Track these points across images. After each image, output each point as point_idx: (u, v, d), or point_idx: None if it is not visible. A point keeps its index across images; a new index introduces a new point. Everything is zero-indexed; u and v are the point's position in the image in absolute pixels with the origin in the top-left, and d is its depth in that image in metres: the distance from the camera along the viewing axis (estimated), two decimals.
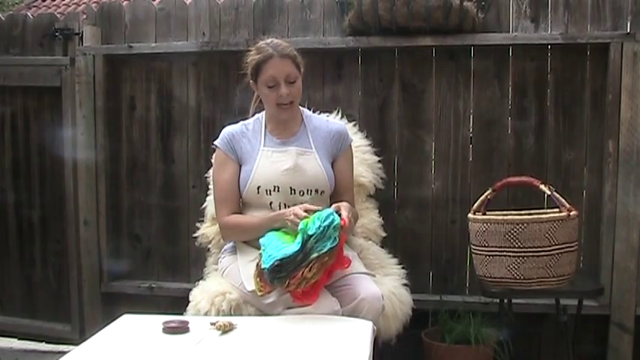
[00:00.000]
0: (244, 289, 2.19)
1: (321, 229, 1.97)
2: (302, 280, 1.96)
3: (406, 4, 2.70)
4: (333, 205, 2.14)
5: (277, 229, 2.16)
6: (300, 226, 2.00)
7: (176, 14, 3.12)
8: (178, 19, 3.12)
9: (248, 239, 2.32)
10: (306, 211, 2.10)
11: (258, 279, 2.07)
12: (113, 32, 3.18)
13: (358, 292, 2.10)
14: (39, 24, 3.26)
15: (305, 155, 2.32)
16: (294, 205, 2.23)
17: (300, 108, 2.42)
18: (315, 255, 1.96)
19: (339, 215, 2.04)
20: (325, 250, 1.96)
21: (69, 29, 3.17)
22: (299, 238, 1.98)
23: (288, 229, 2.13)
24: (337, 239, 1.99)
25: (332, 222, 1.99)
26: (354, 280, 2.16)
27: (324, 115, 2.70)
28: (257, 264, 2.07)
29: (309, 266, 1.96)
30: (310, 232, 1.97)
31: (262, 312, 2.16)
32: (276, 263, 1.95)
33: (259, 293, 2.07)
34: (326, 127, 2.42)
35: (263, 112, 2.41)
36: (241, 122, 2.43)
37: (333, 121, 2.61)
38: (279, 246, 2.02)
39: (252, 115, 2.47)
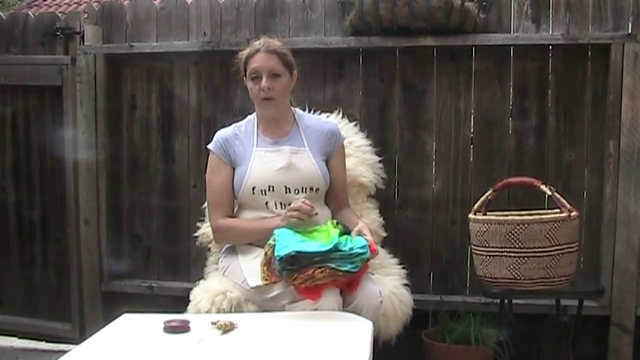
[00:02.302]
0: (247, 286, 2.19)
1: (351, 252, 2.00)
2: (310, 277, 1.97)
3: (407, 5, 2.70)
4: (356, 229, 2.12)
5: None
6: (336, 239, 2.02)
7: (177, 14, 3.12)
8: (179, 19, 3.12)
9: (240, 243, 2.33)
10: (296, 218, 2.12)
11: (265, 267, 2.07)
12: (114, 31, 3.19)
13: (357, 290, 2.09)
14: (40, 23, 3.26)
15: (298, 154, 2.33)
16: (290, 204, 2.23)
17: (293, 108, 2.43)
18: (332, 265, 1.98)
19: (367, 241, 2.05)
20: (343, 269, 1.99)
21: (70, 28, 3.18)
22: (326, 242, 2.00)
23: (297, 228, 2.13)
24: (358, 268, 2.02)
25: (363, 253, 2.02)
26: None
27: (323, 115, 2.71)
28: (265, 253, 2.07)
29: (322, 269, 1.97)
30: (340, 248, 2.00)
31: (263, 310, 2.15)
32: (292, 254, 1.95)
33: (264, 282, 2.07)
34: (318, 126, 2.42)
35: (255, 114, 2.42)
36: (234, 125, 2.44)
37: (326, 120, 2.62)
38: (295, 239, 2.04)
39: None
